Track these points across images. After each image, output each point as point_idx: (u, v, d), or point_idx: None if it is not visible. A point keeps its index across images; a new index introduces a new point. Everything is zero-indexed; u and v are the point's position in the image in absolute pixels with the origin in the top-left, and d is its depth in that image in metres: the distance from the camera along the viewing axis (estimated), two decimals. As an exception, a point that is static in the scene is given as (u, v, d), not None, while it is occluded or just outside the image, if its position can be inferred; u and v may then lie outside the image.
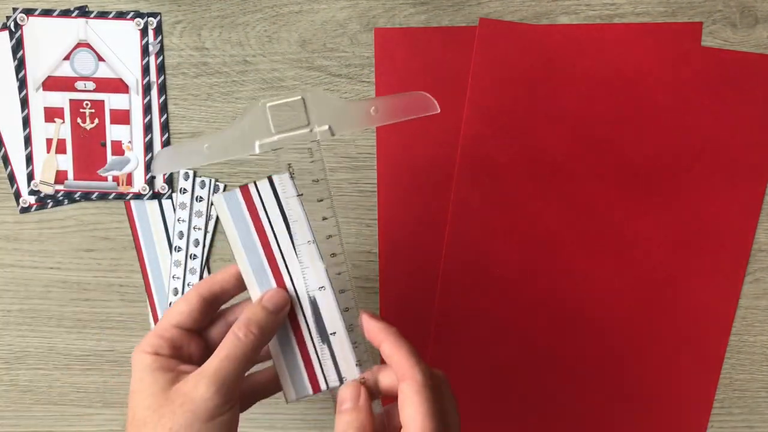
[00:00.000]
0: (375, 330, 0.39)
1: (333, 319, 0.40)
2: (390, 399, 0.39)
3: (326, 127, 0.39)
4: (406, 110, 0.40)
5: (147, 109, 0.53)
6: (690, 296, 0.54)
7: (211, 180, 0.54)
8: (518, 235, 0.53)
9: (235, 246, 0.40)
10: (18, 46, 0.53)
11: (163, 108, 0.53)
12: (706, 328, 0.54)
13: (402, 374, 0.37)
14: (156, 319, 0.55)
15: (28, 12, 0.52)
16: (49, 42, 0.53)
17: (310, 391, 0.41)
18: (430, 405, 0.35)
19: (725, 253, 0.53)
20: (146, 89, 0.53)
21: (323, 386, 0.41)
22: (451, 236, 0.53)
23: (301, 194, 0.40)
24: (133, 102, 0.53)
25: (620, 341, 0.54)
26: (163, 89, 0.53)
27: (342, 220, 0.54)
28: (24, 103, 0.53)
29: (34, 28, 0.52)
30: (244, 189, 0.40)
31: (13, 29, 0.52)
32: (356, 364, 0.40)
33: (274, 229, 0.40)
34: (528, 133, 0.52)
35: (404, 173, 0.53)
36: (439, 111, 0.39)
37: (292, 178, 0.39)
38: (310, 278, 0.40)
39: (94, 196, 0.54)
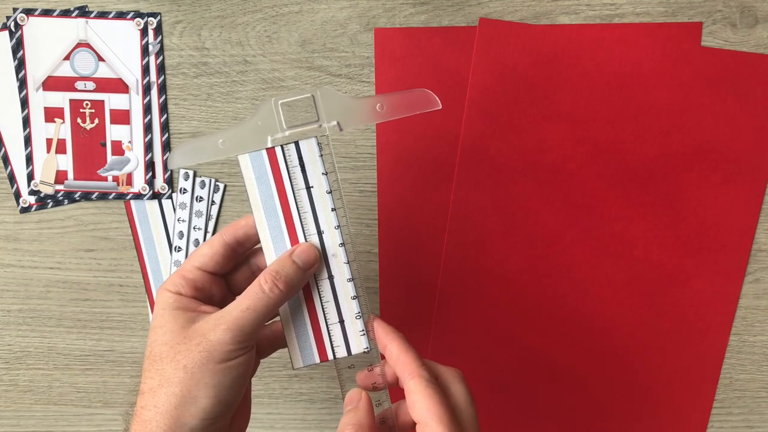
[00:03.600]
0: (383, 333, 0.40)
1: (343, 282, 0.41)
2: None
3: (335, 122, 0.40)
4: (409, 106, 0.41)
5: (147, 109, 0.53)
6: (690, 296, 0.54)
7: (211, 180, 0.54)
8: (518, 234, 0.53)
9: (255, 207, 0.41)
10: (18, 46, 0.53)
11: (163, 108, 0.53)
12: (706, 328, 0.54)
13: (409, 373, 0.38)
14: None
15: (28, 12, 0.52)
16: (49, 42, 0.53)
17: (317, 359, 0.41)
18: (440, 397, 0.37)
19: (725, 253, 0.53)
20: (146, 89, 0.53)
21: (331, 356, 0.41)
22: (451, 236, 0.53)
23: (323, 154, 0.41)
24: (133, 102, 0.53)
25: (620, 341, 0.54)
26: (163, 89, 0.53)
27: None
28: (24, 103, 0.53)
29: (34, 28, 0.52)
30: (271, 151, 0.40)
31: (13, 29, 0.52)
32: (365, 335, 0.41)
33: (295, 193, 0.41)
34: (528, 133, 0.52)
35: (404, 173, 0.53)
36: (440, 107, 0.41)
37: (318, 144, 0.40)
38: (325, 244, 0.41)
39: (94, 196, 0.54)
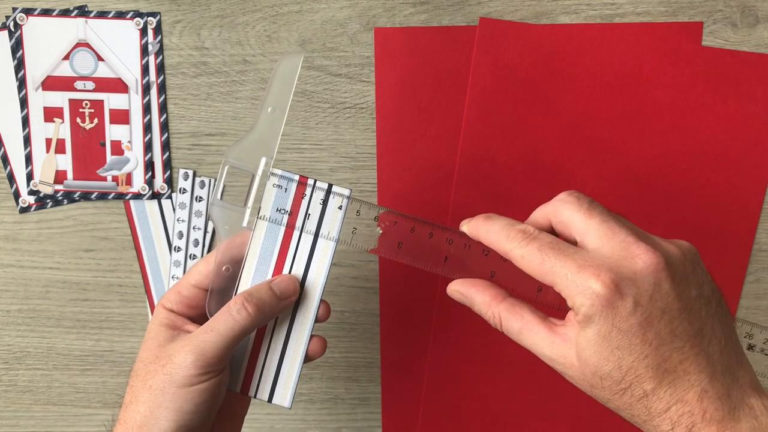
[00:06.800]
0: (472, 229, 0.37)
1: (299, 339, 0.40)
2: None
3: (261, 167, 0.39)
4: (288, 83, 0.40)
5: (146, 109, 0.53)
6: (690, 296, 0.54)
7: (210, 180, 0.54)
8: (518, 235, 0.53)
9: (261, 226, 0.40)
10: (17, 46, 0.53)
11: (163, 108, 0.53)
12: (706, 329, 0.54)
13: (502, 242, 0.35)
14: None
15: (28, 12, 0.52)
16: (48, 42, 0.52)
17: (238, 389, 0.41)
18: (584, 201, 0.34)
19: (726, 253, 0.53)
20: (146, 89, 0.53)
21: (252, 393, 0.41)
22: (451, 236, 0.53)
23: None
24: (133, 102, 0.53)
25: (620, 341, 0.54)
26: (162, 89, 0.53)
27: (342, 220, 0.54)
28: (23, 102, 0.53)
29: (33, 28, 0.52)
30: (302, 179, 0.40)
31: (12, 29, 0.52)
32: (292, 395, 0.40)
33: (303, 230, 0.40)
34: (528, 133, 0.52)
35: (404, 173, 0.53)
36: (302, 56, 0.40)
37: (349, 198, 0.40)
38: (306, 288, 0.40)
39: (93, 196, 0.54)
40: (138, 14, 0.52)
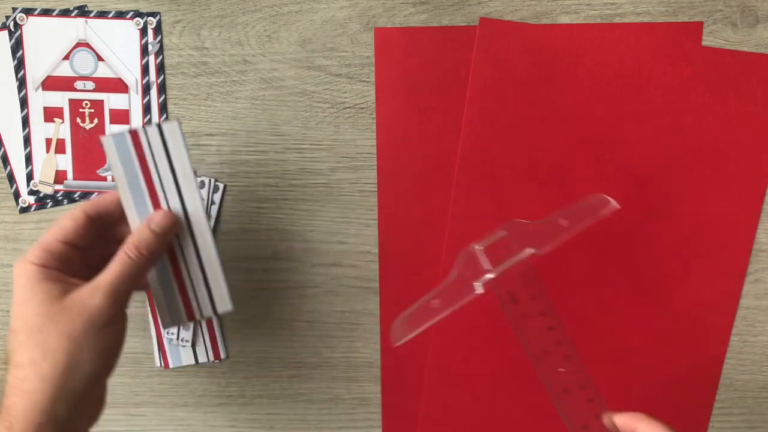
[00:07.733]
0: (626, 420, 0.42)
1: (209, 251, 0.44)
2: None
3: (532, 250, 0.45)
4: (588, 214, 0.45)
5: (146, 109, 0.53)
6: (690, 296, 0.54)
7: (210, 180, 0.54)
8: (518, 235, 0.53)
9: (120, 183, 0.43)
10: (17, 46, 0.53)
11: (163, 108, 0.53)
12: (706, 329, 0.54)
13: None
14: (155, 320, 0.55)
15: (28, 12, 0.52)
16: (48, 42, 0.52)
17: (185, 318, 0.44)
18: None
19: (726, 253, 0.53)
20: (146, 89, 0.53)
21: (197, 315, 0.44)
22: (451, 236, 0.53)
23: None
24: (133, 102, 0.53)
25: (620, 341, 0.54)
26: (162, 89, 0.53)
27: (341, 219, 0.54)
28: (23, 102, 0.53)
29: (33, 28, 0.52)
30: (133, 133, 0.43)
31: (12, 29, 0.52)
32: (229, 297, 0.44)
33: (158, 168, 0.43)
34: (528, 133, 0.52)
35: (404, 173, 0.53)
36: (618, 207, 0.45)
37: (180, 125, 0.43)
38: (189, 212, 0.44)
39: (93, 196, 0.54)
40: (138, 14, 0.52)
